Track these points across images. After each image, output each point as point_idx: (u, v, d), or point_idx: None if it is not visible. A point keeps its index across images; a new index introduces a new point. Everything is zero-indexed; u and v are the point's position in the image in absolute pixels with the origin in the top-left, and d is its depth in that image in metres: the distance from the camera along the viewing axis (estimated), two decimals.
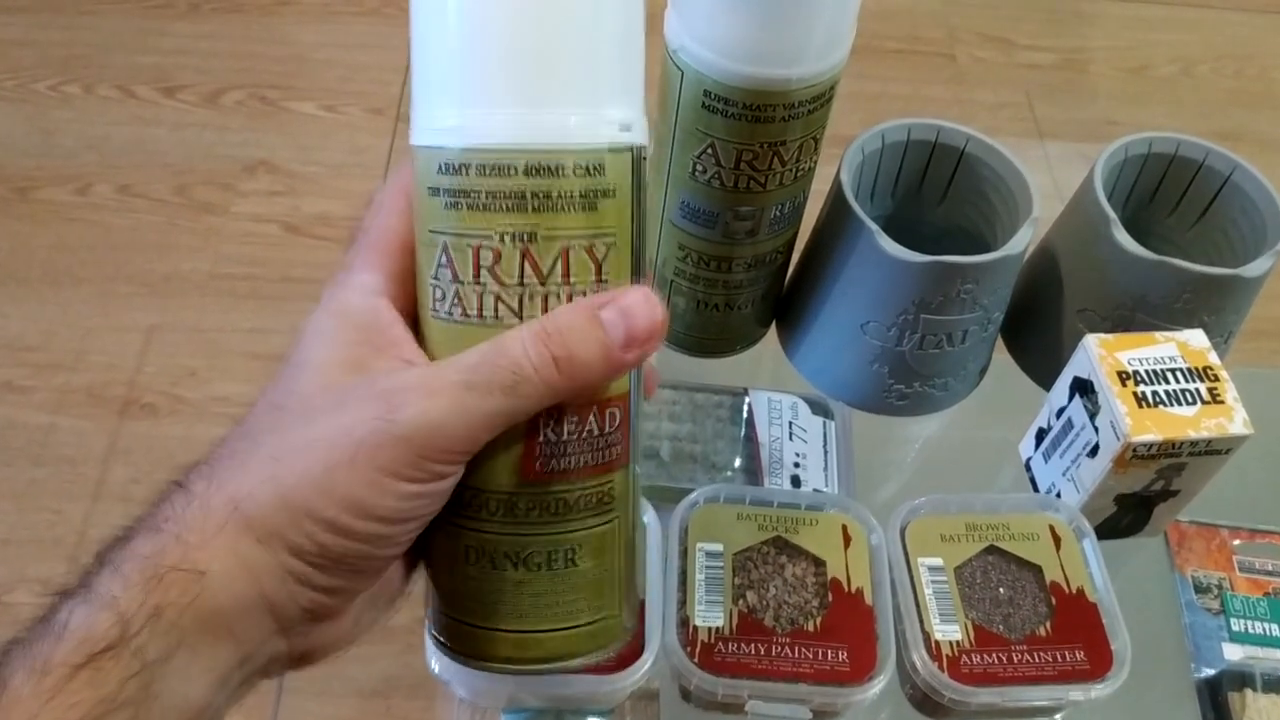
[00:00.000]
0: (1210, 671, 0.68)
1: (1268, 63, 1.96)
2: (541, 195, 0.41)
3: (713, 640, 0.61)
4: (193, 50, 1.78)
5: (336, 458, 0.39)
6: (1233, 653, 0.69)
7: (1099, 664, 0.62)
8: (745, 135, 0.62)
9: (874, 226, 0.67)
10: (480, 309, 0.42)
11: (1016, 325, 0.79)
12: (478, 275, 0.41)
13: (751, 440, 0.73)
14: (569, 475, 0.44)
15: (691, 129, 0.63)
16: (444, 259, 0.42)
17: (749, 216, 0.67)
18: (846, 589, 0.63)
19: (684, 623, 0.61)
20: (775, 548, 0.65)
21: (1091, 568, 0.65)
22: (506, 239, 0.41)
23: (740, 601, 0.62)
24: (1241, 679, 0.67)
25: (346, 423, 0.40)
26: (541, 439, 0.43)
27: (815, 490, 0.71)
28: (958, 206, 0.76)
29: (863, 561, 0.64)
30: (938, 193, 0.76)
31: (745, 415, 0.74)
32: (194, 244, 1.55)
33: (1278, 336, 1.51)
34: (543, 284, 0.41)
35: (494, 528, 0.44)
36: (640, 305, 0.42)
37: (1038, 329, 0.77)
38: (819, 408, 0.75)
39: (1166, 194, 0.77)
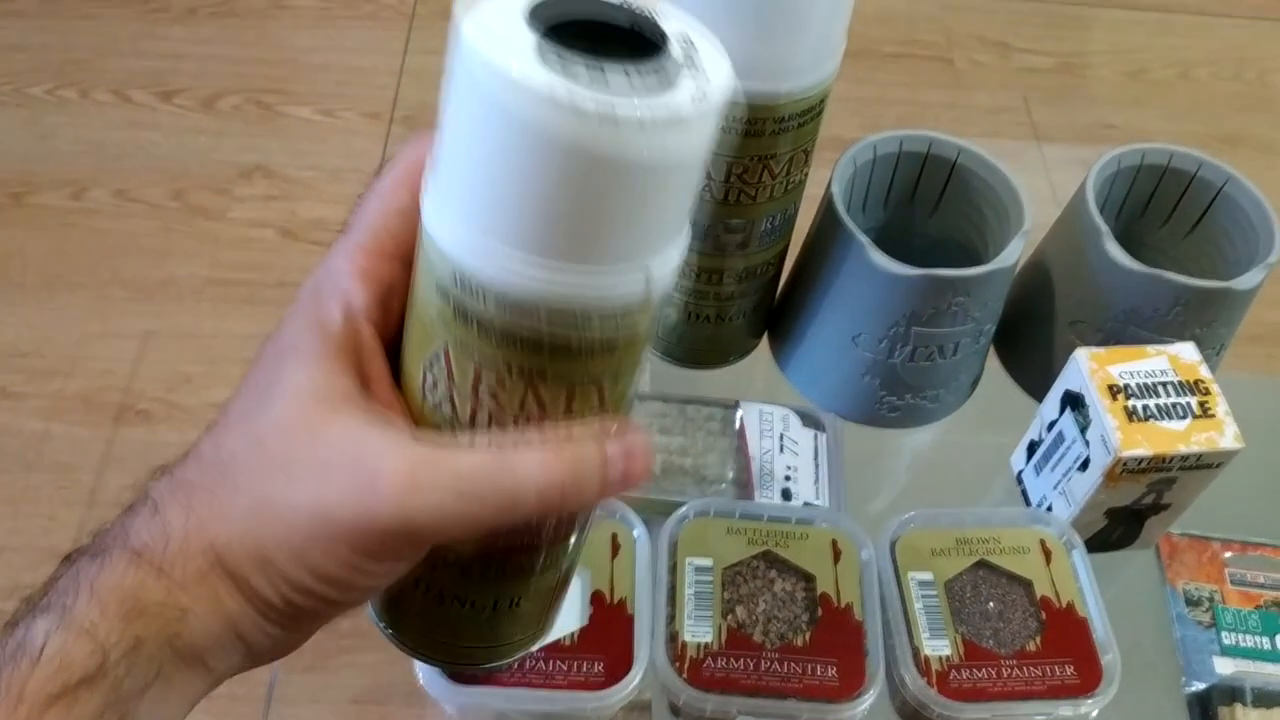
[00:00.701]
0: (1201, 685, 0.68)
1: (1266, 66, 1.96)
2: (560, 341, 0.38)
3: (701, 656, 0.61)
4: (189, 55, 1.78)
5: (316, 533, 0.39)
6: (1224, 666, 0.68)
7: (1089, 679, 0.61)
8: (735, 149, 0.62)
9: (864, 239, 0.67)
10: (473, 418, 0.40)
11: (1009, 337, 0.79)
12: (476, 390, 0.39)
13: (742, 453, 0.73)
14: (528, 550, 0.45)
15: None
16: (442, 359, 0.40)
17: (739, 229, 0.67)
18: (836, 604, 0.63)
19: (673, 638, 0.61)
20: (765, 562, 0.65)
21: (1082, 582, 0.65)
22: (514, 370, 0.39)
23: (729, 616, 0.62)
24: (1232, 693, 0.67)
25: (329, 499, 0.39)
26: (516, 538, 0.44)
27: (806, 504, 0.70)
28: (950, 218, 0.76)
29: (852, 576, 0.64)
30: (930, 204, 0.76)
31: (736, 428, 0.74)
32: (190, 249, 1.55)
33: (1274, 342, 1.51)
34: (543, 414, 0.40)
35: (449, 578, 0.46)
36: (641, 451, 0.41)
37: (1030, 341, 0.77)
38: (810, 420, 0.75)
39: (1159, 205, 0.77)
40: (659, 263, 0.38)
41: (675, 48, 0.36)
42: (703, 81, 0.35)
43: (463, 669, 0.59)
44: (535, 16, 0.35)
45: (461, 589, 0.46)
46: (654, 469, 0.40)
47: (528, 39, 0.34)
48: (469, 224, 0.37)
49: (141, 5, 1.87)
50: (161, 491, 0.40)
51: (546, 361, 0.38)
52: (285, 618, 0.41)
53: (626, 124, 0.33)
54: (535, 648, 0.53)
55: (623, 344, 0.39)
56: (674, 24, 0.38)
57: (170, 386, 1.45)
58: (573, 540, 0.47)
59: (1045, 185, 1.71)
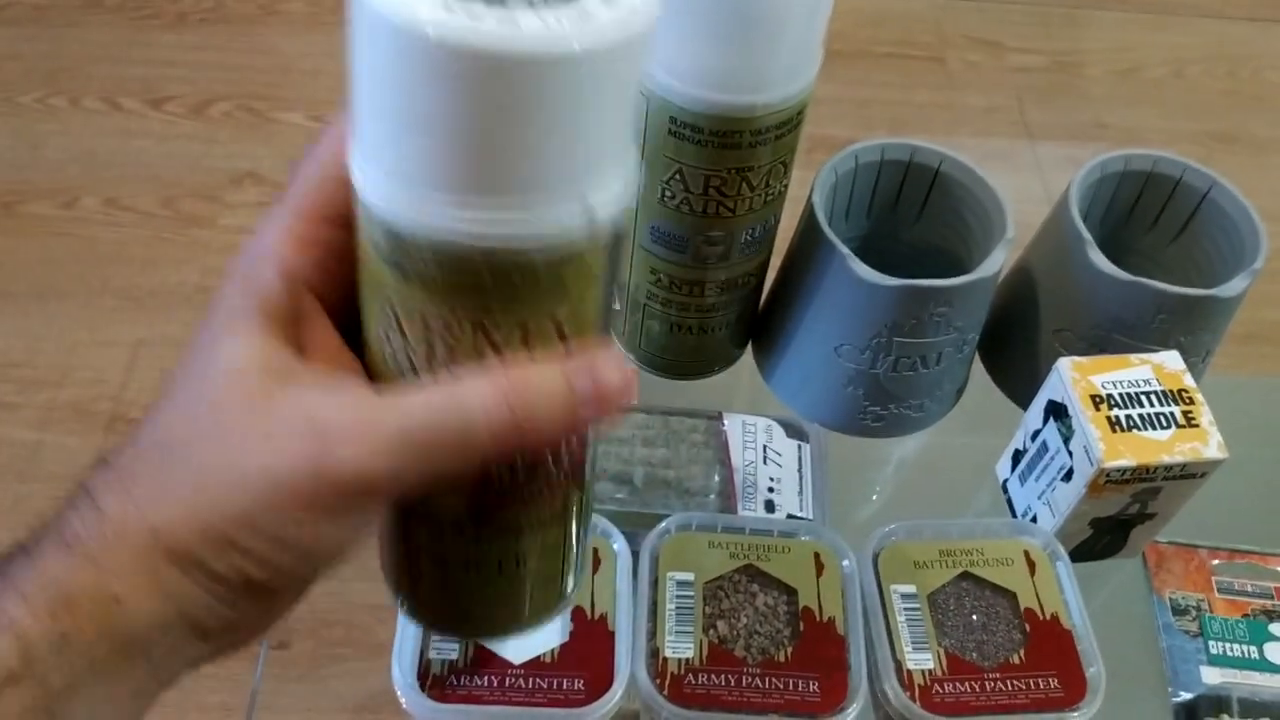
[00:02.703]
0: (1188, 695, 0.67)
1: (1260, 63, 1.96)
2: (503, 283, 0.36)
3: (682, 672, 0.60)
4: (179, 62, 1.78)
5: (269, 500, 0.37)
6: (1211, 676, 0.68)
7: (1073, 692, 0.61)
8: (712, 161, 0.62)
9: (845, 250, 0.67)
10: (430, 364, 0.39)
11: (994, 345, 0.79)
12: (429, 342, 0.38)
13: (725, 465, 0.72)
14: (521, 507, 0.44)
15: (658, 155, 0.63)
16: (391, 316, 0.39)
17: (720, 241, 0.67)
18: (818, 618, 0.63)
19: (654, 654, 0.61)
20: (747, 576, 0.64)
21: (1066, 593, 0.65)
22: (462, 318, 0.37)
23: (711, 631, 0.62)
24: (1219, 703, 0.67)
25: (279, 464, 0.37)
26: (496, 483, 0.42)
27: (789, 516, 0.70)
28: (933, 226, 0.75)
29: (835, 589, 0.64)
30: (913, 212, 0.76)
31: (719, 440, 0.74)
32: (181, 257, 1.54)
33: (1267, 340, 1.51)
34: (499, 353, 0.38)
35: (445, 544, 0.45)
36: (609, 366, 0.39)
37: (1015, 349, 0.77)
38: (794, 431, 0.75)
39: (1144, 212, 0.76)
40: (597, 190, 0.36)
41: None
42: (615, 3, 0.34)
43: (487, 639, 0.59)
44: None
45: (459, 552, 0.45)
46: (633, 395, 0.38)
47: None
48: (390, 175, 0.36)
49: (131, 12, 1.87)
50: (98, 481, 0.39)
51: (494, 305, 0.37)
52: (241, 595, 0.39)
53: (527, 27, 0.32)
54: (558, 613, 0.51)
55: (574, 280, 0.37)
56: None
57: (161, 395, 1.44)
58: (570, 491, 0.45)
59: (1038, 186, 1.70)
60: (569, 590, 0.50)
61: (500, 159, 0.34)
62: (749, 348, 0.80)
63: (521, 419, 0.38)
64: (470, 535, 0.45)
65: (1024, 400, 0.74)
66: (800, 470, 0.73)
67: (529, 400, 0.38)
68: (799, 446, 0.74)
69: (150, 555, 0.37)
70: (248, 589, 0.39)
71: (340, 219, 0.40)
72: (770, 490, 0.71)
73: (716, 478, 0.72)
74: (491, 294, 0.37)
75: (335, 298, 0.41)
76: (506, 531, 0.45)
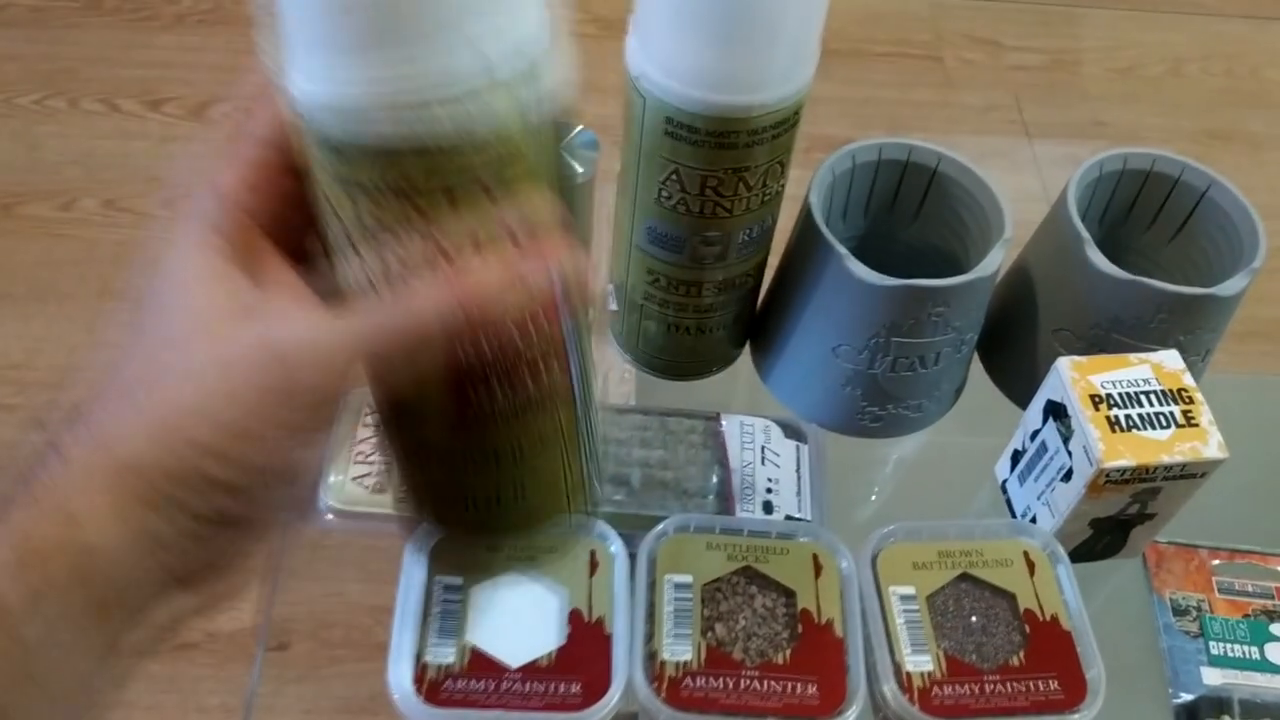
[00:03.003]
0: (1188, 697, 0.67)
1: (1258, 61, 1.95)
2: (413, 142, 0.37)
3: (680, 675, 0.60)
4: (178, 63, 1.78)
5: (235, 425, 0.38)
6: (1211, 677, 0.68)
7: (1073, 694, 0.61)
8: (709, 161, 0.62)
9: (843, 250, 0.67)
10: (386, 278, 0.40)
11: (992, 344, 0.78)
12: (362, 223, 0.39)
13: (723, 466, 0.72)
14: (505, 430, 0.46)
15: (655, 155, 0.63)
16: (328, 205, 0.40)
17: (717, 241, 0.67)
18: (817, 620, 0.62)
19: (651, 657, 0.61)
20: (745, 578, 0.64)
21: (1066, 594, 0.64)
22: (387, 189, 0.38)
23: (709, 634, 0.62)
24: (1220, 705, 0.67)
25: (241, 391, 0.38)
26: (474, 405, 0.44)
27: (788, 517, 0.70)
28: (931, 225, 0.75)
29: (833, 591, 0.64)
30: (910, 212, 0.75)
31: (717, 440, 0.73)
32: None
33: (1268, 338, 1.50)
34: (435, 227, 0.39)
35: (440, 473, 0.49)
36: (563, 256, 0.41)
37: (1013, 349, 0.77)
38: (792, 431, 0.74)
39: (1143, 210, 0.76)
40: (492, 35, 0.36)
41: None
42: None
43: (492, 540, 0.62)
44: None
45: (456, 484, 0.49)
46: (602, 294, 0.40)
47: None
48: (293, 50, 0.37)
49: (129, 14, 1.87)
50: (63, 434, 0.39)
51: (412, 169, 0.37)
52: (212, 528, 0.40)
53: None
54: (564, 526, 0.56)
55: (491, 136, 0.38)
56: None
57: None
58: (559, 418, 0.47)
59: (1037, 184, 1.70)
60: (585, 503, 0.54)
61: (378, 10, 0.35)
62: (747, 348, 0.80)
63: (473, 314, 0.39)
64: (461, 462, 0.47)
65: (1023, 400, 0.73)
66: (798, 471, 0.72)
67: (479, 294, 0.39)
68: (797, 447, 0.74)
69: (121, 496, 0.37)
70: (219, 521, 0.39)
71: (268, 138, 0.41)
72: (768, 491, 0.71)
73: (714, 479, 0.72)
74: (403, 154, 0.37)
75: (283, 238, 0.43)
76: (500, 457, 0.47)
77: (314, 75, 0.37)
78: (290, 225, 0.43)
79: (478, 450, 0.47)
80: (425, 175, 0.38)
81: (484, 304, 0.39)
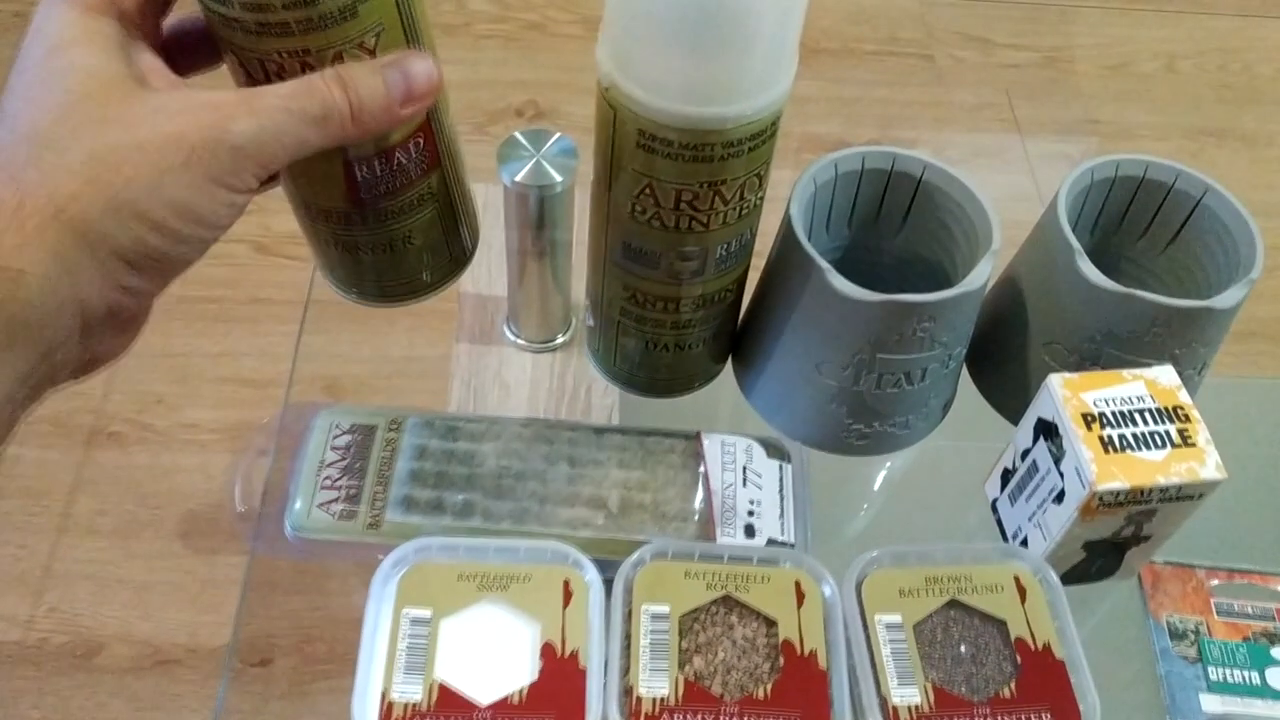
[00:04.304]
0: None
1: (1251, 58, 1.93)
2: (302, 22, 0.47)
3: (657, 711, 0.57)
4: None
5: (170, 162, 0.43)
6: (1211, 704, 0.65)
7: None
8: (683, 175, 0.59)
9: (825, 264, 0.64)
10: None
11: (982, 358, 0.76)
12: (267, 79, 0.49)
13: (704, 488, 0.70)
14: (388, 194, 0.58)
15: (628, 168, 0.60)
16: (233, 60, 0.50)
17: (694, 256, 0.64)
18: (799, 651, 0.60)
19: (627, 692, 0.58)
20: (725, 607, 0.62)
21: (1059, 621, 0.62)
22: (284, 56, 0.49)
23: (687, 667, 0.59)
24: None
25: (178, 130, 0.43)
26: (360, 176, 0.56)
27: (770, 540, 0.67)
28: (917, 235, 0.73)
29: (816, 620, 0.61)
30: (895, 222, 0.73)
31: (698, 461, 0.71)
32: None
33: (1266, 338, 1.48)
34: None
35: (345, 230, 0.60)
36: (418, 67, 0.51)
37: (1003, 363, 0.74)
38: (775, 450, 0.72)
39: (1136, 218, 0.74)
40: None
41: None
42: None
43: (399, 303, 0.67)
44: None
45: (356, 237, 0.60)
46: (437, 84, 0.53)
47: None
48: None
49: None
50: None
51: (303, 41, 0.48)
52: (134, 270, 0.44)
53: None
54: (458, 274, 0.67)
55: (364, 6, 0.48)
56: None
57: (142, 407, 1.42)
58: (430, 180, 0.60)
59: (1029, 183, 1.68)
60: (466, 253, 0.67)
61: None
62: (730, 362, 0.77)
63: (353, 101, 0.48)
64: (358, 220, 0.59)
65: (1014, 415, 0.71)
66: (781, 492, 0.70)
67: (357, 87, 0.48)
68: (780, 467, 0.71)
69: (55, 232, 0.41)
70: (143, 261, 0.44)
71: None
72: (750, 514, 0.69)
73: (694, 501, 0.69)
74: (296, 32, 0.48)
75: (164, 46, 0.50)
76: (389, 216, 0.59)
77: None
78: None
79: (370, 210, 0.59)
80: (312, 43, 0.49)
81: (360, 97, 0.48)
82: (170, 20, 0.51)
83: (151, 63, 0.47)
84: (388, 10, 0.50)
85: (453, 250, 0.65)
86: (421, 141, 0.57)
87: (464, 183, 0.64)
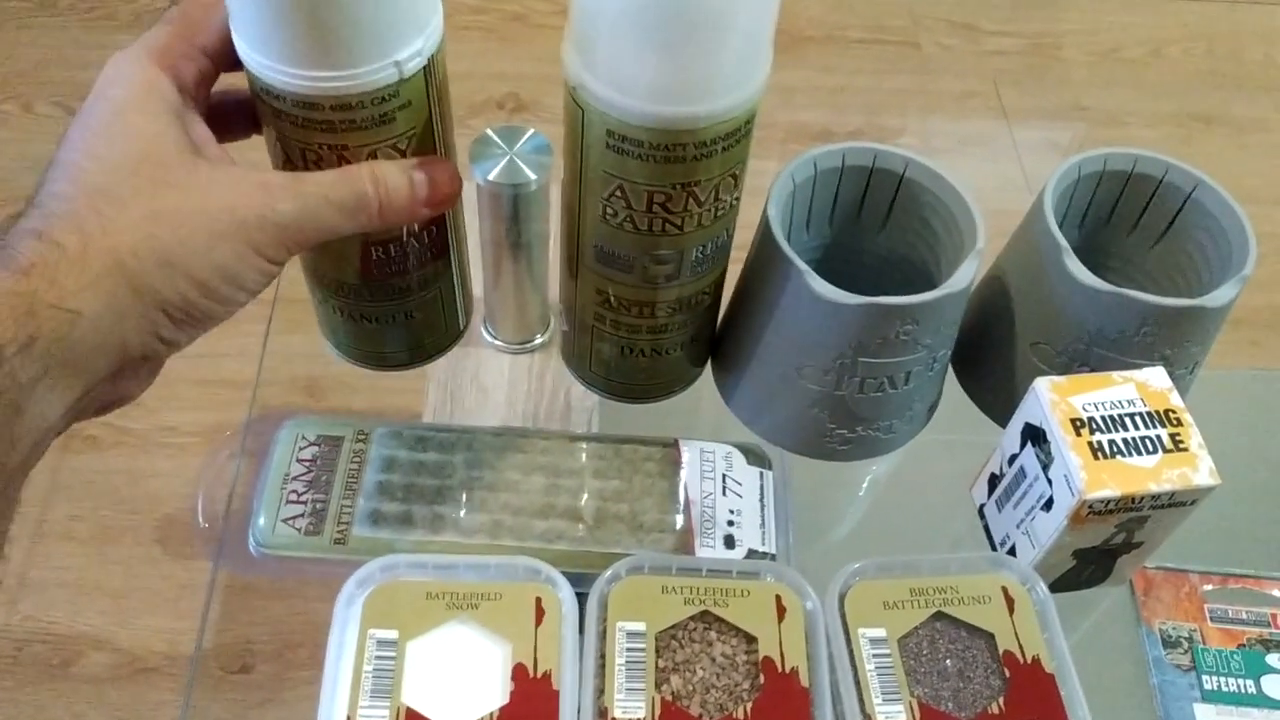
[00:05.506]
0: None
1: (1239, 43, 1.91)
2: (346, 122, 0.54)
3: None
4: None
5: (220, 229, 0.48)
6: (1205, 714, 0.64)
7: None
8: (655, 176, 0.57)
9: (804, 267, 0.62)
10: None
11: (968, 358, 0.74)
12: (305, 166, 0.55)
13: (682, 497, 0.67)
14: (398, 274, 0.64)
15: (598, 170, 0.58)
16: (277, 146, 0.56)
17: (668, 260, 0.62)
18: (780, 668, 0.58)
19: (602, 714, 0.56)
20: (703, 623, 0.60)
21: (1049, 633, 0.60)
22: (324, 148, 0.55)
23: (664, 687, 0.57)
24: None
25: (230, 203, 0.48)
26: (374, 255, 0.62)
27: (750, 551, 0.65)
28: (900, 234, 0.71)
29: (798, 636, 0.59)
30: (877, 220, 0.71)
31: (675, 469, 0.69)
32: None
33: (1256, 325, 1.47)
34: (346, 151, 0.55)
35: (352, 301, 0.66)
36: (443, 174, 0.57)
37: (990, 363, 0.72)
38: (755, 457, 0.70)
39: (1125, 213, 0.72)
40: (408, 49, 0.53)
41: None
42: None
43: (395, 370, 0.74)
44: None
45: (362, 309, 0.67)
46: (458, 189, 0.60)
47: None
48: (256, 44, 0.52)
49: (85, 14, 1.82)
50: (37, 223, 0.45)
51: (343, 138, 0.54)
52: (174, 321, 0.48)
53: None
54: (449, 348, 0.74)
55: (401, 114, 0.55)
56: None
57: (119, 411, 1.39)
58: (437, 265, 0.66)
59: (1017, 171, 1.66)
60: (460, 329, 0.74)
61: (328, 38, 0.51)
62: (709, 366, 0.75)
63: (382, 198, 0.54)
64: (367, 294, 0.65)
65: (1002, 417, 0.69)
66: (762, 500, 0.68)
67: (388, 186, 0.54)
68: (760, 474, 0.69)
69: (112, 280, 0.45)
70: (182, 315, 0.48)
71: (206, 49, 0.53)
72: (730, 524, 0.67)
73: (673, 511, 0.67)
74: (338, 130, 0.54)
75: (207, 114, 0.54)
76: (396, 293, 0.65)
77: (268, 60, 0.52)
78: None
79: (379, 286, 0.64)
80: (352, 143, 0.55)
81: (389, 192, 0.54)
82: (213, 91, 0.56)
83: (204, 133, 0.52)
84: (421, 119, 0.56)
85: (449, 326, 0.72)
86: (434, 230, 0.64)
87: (466, 268, 0.71)
